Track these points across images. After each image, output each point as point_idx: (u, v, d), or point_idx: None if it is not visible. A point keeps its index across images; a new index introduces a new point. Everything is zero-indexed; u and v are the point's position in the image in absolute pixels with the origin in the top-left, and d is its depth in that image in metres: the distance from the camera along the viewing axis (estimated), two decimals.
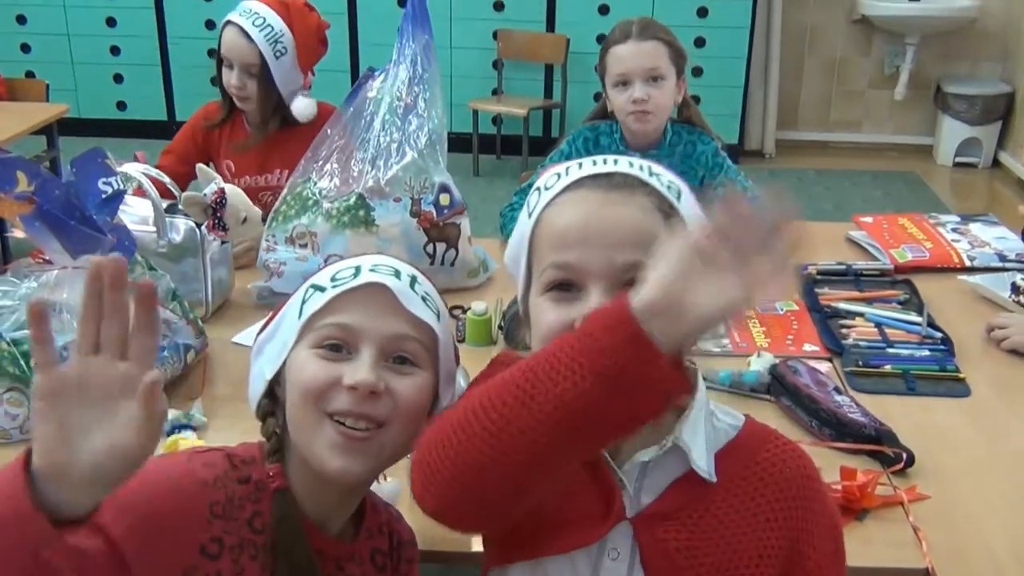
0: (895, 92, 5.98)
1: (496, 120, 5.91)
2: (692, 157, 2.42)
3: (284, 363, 1.08)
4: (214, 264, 1.99)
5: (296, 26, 2.49)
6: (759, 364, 1.79)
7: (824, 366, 1.84)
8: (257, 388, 1.12)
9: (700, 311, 0.81)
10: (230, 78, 2.50)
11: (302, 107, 2.57)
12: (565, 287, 1.00)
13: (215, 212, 1.92)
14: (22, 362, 1.61)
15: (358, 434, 1.03)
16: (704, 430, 1.04)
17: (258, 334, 1.15)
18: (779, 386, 1.73)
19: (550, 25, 5.78)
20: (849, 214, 5.12)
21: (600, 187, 1.02)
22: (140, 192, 2.00)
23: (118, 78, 6.14)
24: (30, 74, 6.03)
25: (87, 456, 0.81)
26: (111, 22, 6.02)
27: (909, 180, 5.72)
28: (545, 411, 0.84)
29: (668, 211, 1.02)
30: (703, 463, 1.01)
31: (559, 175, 1.05)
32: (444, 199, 2.12)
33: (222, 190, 1.93)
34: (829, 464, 1.53)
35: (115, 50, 6.07)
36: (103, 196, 1.68)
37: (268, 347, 1.12)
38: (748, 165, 5.92)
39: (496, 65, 5.84)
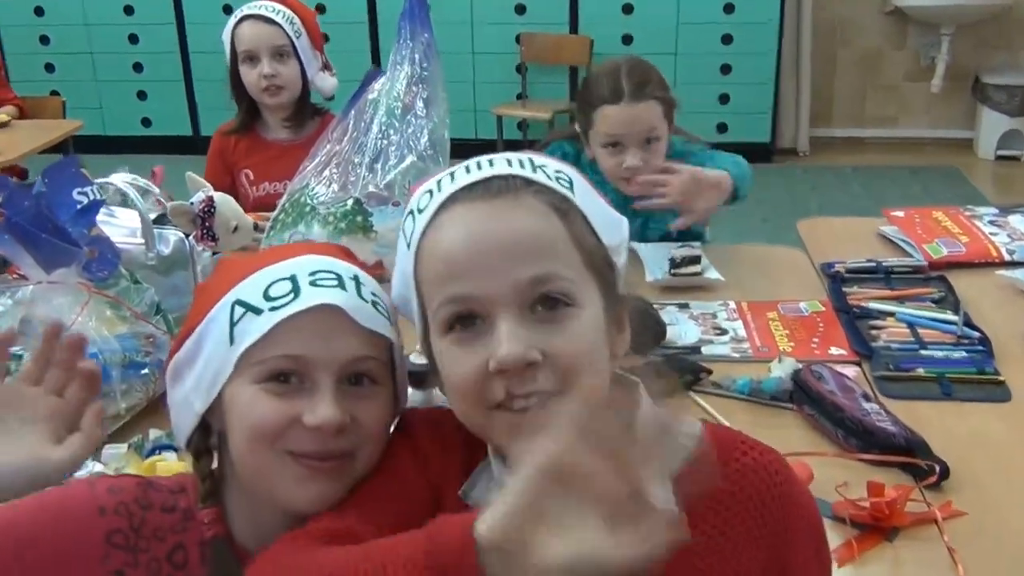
0: (931, 85, 5.80)
1: (522, 125, 5.81)
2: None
3: (219, 395, 0.94)
4: (206, 276, 1.91)
5: (298, 10, 2.50)
6: (780, 370, 1.67)
7: (851, 371, 1.70)
8: (186, 422, 0.98)
9: (550, 560, 0.67)
10: (258, 71, 2.43)
11: (328, 85, 2.55)
12: (468, 320, 0.86)
13: (203, 222, 1.83)
14: None
15: (326, 465, 0.92)
16: None
17: (171, 354, 1.01)
18: (802, 394, 1.60)
19: (573, 27, 5.67)
20: None
21: (479, 198, 0.87)
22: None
23: (142, 95, 6.13)
24: (55, 93, 6.04)
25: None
26: (133, 39, 6.01)
27: (949, 175, 5.54)
28: None
29: (563, 206, 0.88)
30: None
31: (431, 192, 0.91)
32: None
33: (210, 198, 1.84)
34: (856, 477, 1.41)
35: (138, 67, 6.06)
36: (78, 207, 1.60)
37: (189, 373, 0.97)
38: (781, 164, 5.78)
39: (520, 69, 5.74)
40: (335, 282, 0.94)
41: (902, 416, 1.55)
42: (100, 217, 1.93)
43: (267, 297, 0.93)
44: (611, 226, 0.93)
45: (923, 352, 1.78)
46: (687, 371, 1.70)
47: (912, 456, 1.43)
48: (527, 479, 0.68)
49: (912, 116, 6.04)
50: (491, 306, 0.85)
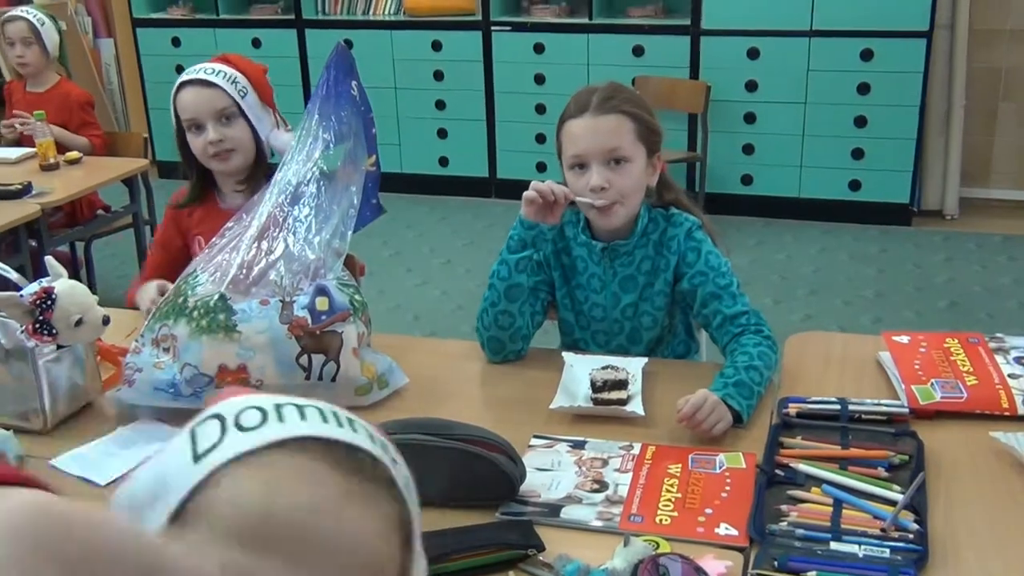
0: None
1: None
2: (664, 244, 1.96)
3: None
4: (52, 367, 1.75)
5: (242, 68, 2.32)
6: (622, 557, 1.33)
7: (724, 564, 1.34)
8: None
9: None
10: (204, 138, 2.28)
11: (282, 142, 2.33)
12: None
13: (40, 315, 1.67)
14: None
15: None
16: None
17: None
18: None
19: (694, 71, 5.29)
20: None
21: (323, 459, 0.68)
22: None
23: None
24: None
25: None
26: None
27: None
28: None
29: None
30: None
31: (264, 415, 0.69)
32: (322, 303, 1.78)
33: (46, 290, 1.68)
34: None
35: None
36: None
37: None
38: (922, 227, 5.18)
39: None
40: None
41: None
42: None
43: None
44: None
45: (833, 545, 1.38)
46: (516, 545, 1.39)
47: None
48: None
49: None
50: None
